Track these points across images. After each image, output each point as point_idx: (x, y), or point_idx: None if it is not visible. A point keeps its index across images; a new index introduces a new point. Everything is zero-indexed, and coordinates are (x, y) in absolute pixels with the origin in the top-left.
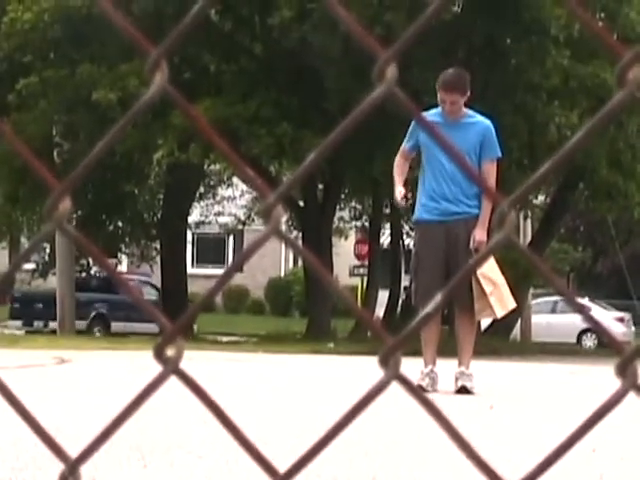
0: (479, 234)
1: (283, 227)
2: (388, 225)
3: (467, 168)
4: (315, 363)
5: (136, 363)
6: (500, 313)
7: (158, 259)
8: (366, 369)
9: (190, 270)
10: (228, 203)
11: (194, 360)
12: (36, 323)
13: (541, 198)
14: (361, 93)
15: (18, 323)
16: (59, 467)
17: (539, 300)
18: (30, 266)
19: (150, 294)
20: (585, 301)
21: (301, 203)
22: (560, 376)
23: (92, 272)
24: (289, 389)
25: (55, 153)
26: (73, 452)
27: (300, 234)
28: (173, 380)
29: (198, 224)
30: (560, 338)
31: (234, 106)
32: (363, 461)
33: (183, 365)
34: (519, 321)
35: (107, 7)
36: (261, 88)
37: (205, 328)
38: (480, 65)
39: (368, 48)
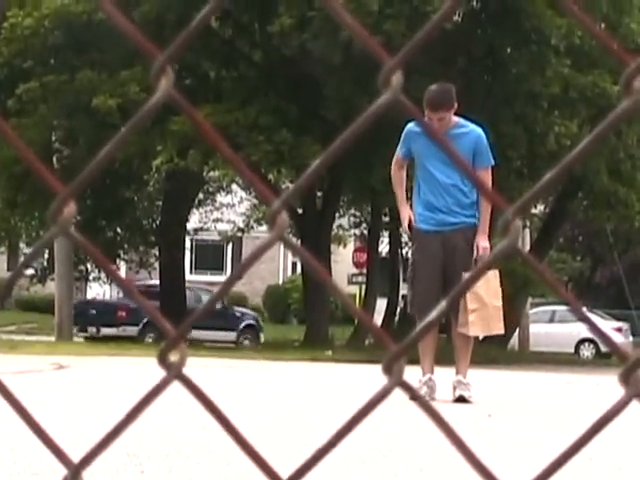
0: (482, 241)
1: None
2: (387, 233)
3: (469, 173)
4: (313, 371)
5: (135, 369)
6: (475, 332)
7: (156, 265)
8: (364, 377)
9: (188, 277)
10: (227, 210)
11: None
12: (90, 329)
13: (540, 207)
14: (361, 101)
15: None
16: (55, 473)
17: (537, 309)
18: (29, 272)
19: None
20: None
21: (300, 211)
22: (558, 386)
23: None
24: (287, 396)
25: (54, 159)
26: (72, 457)
27: (299, 241)
28: (171, 386)
29: (197, 230)
30: (558, 348)
31: (233, 113)
32: (360, 469)
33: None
34: (517, 330)
35: (113, 12)
36: (260, 95)
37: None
38: (480, 74)
39: (374, 55)
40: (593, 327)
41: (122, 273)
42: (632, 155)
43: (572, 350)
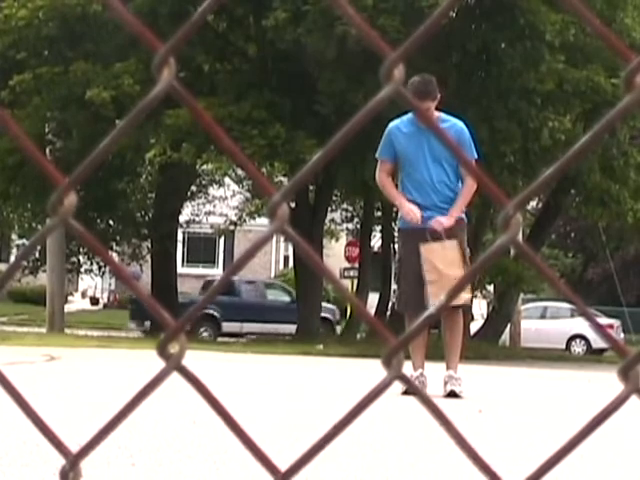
0: (446, 219)
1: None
2: (379, 228)
3: (466, 162)
4: (304, 364)
5: (126, 362)
6: (435, 301)
7: (148, 258)
8: (355, 371)
9: (180, 269)
10: (220, 203)
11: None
12: (146, 323)
13: (532, 203)
14: (355, 96)
15: (137, 324)
16: (46, 464)
17: (529, 305)
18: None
19: None
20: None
21: (293, 204)
22: (549, 382)
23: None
24: (278, 390)
25: (47, 151)
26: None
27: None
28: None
29: (189, 223)
30: (549, 344)
31: (227, 107)
32: (351, 464)
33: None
34: (508, 326)
35: (115, 3)
36: (255, 89)
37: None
38: (474, 70)
39: (376, 49)
40: (592, 322)
41: None
42: (625, 152)
43: (563, 346)
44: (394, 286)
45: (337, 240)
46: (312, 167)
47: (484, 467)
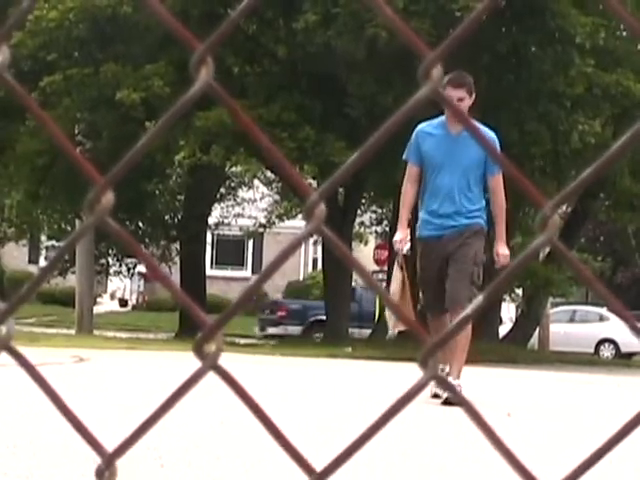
0: (501, 249)
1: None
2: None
3: (497, 156)
4: (332, 366)
5: (154, 363)
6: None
7: (177, 260)
8: (383, 373)
9: (209, 272)
10: (248, 205)
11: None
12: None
13: (562, 207)
14: (384, 99)
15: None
16: (75, 465)
17: (557, 309)
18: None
19: None
20: (604, 311)
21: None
22: (577, 386)
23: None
24: (306, 392)
25: (77, 151)
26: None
27: (320, 238)
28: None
29: (218, 225)
30: (578, 348)
31: (257, 109)
32: (380, 466)
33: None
34: (537, 330)
35: (153, 3)
36: (284, 92)
37: (224, 330)
38: (504, 72)
39: (415, 48)
40: (629, 322)
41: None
42: None
43: (592, 350)
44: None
45: (366, 243)
46: (350, 167)
47: (520, 468)
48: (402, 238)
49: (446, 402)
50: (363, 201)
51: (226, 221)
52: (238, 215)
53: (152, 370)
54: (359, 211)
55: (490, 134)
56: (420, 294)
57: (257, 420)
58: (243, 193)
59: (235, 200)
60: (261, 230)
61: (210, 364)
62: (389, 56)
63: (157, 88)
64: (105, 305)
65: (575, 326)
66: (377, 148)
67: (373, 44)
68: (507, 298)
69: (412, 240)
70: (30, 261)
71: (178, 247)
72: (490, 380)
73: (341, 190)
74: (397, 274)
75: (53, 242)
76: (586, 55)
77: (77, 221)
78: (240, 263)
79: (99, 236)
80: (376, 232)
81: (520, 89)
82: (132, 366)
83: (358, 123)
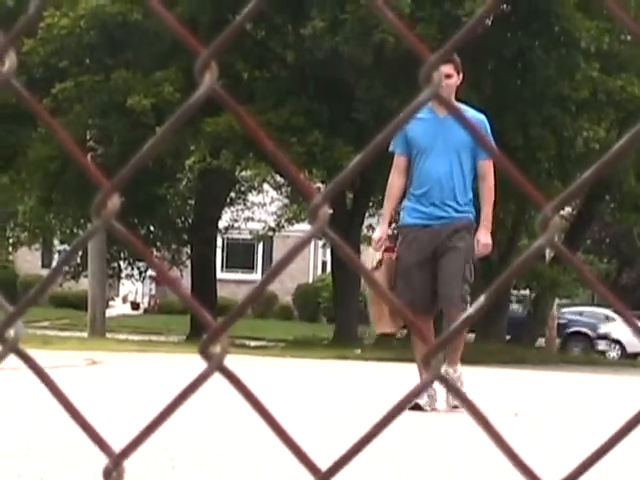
0: (483, 237)
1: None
2: None
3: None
4: (341, 368)
5: (166, 365)
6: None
7: (188, 263)
8: (392, 374)
9: (219, 275)
10: (258, 209)
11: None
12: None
13: (567, 209)
14: (391, 103)
15: None
16: (87, 465)
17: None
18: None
19: None
20: (610, 312)
21: (330, 210)
22: (584, 386)
23: None
24: (315, 393)
25: (89, 157)
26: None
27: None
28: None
29: (228, 229)
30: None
31: (266, 114)
32: (388, 466)
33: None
34: (545, 330)
35: (159, 8)
36: (293, 96)
37: (234, 332)
38: (510, 77)
39: (416, 52)
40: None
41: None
42: None
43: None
44: None
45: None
46: (352, 170)
47: (522, 467)
48: (380, 237)
49: (414, 407)
50: (371, 204)
51: (236, 225)
52: (248, 219)
53: (163, 372)
54: (367, 214)
55: (479, 116)
56: (396, 288)
57: (263, 421)
58: (253, 197)
59: (245, 204)
60: (271, 233)
61: (216, 365)
62: (396, 61)
63: (167, 94)
64: (117, 308)
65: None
66: (380, 150)
67: (380, 49)
68: (514, 299)
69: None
70: (43, 265)
71: (189, 250)
72: (498, 381)
73: (350, 194)
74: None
75: (65, 246)
76: (591, 59)
77: (89, 225)
78: (250, 266)
79: (111, 240)
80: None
81: (525, 93)
82: (144, 368)
83: (366, 127)
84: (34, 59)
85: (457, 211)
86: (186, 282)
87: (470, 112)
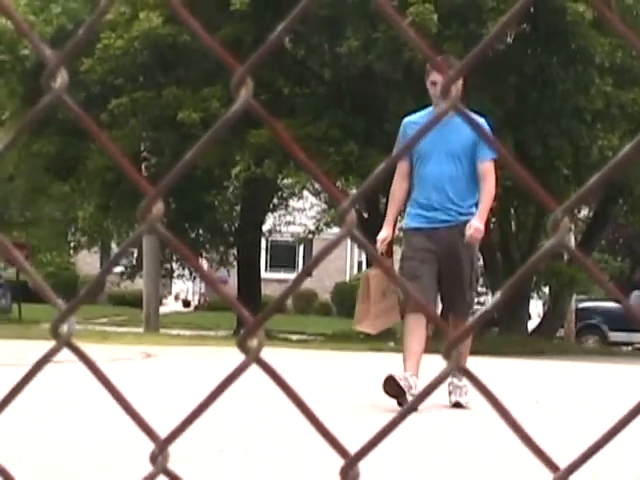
0: (476, 222)
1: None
2: None
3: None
4: (376, 359)
5: (214, 358)
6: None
7: (235, 264)
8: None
9: (263, 274)
10: (299, 214)
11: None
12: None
13: (584, 212)
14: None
15: None
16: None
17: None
18: (119, 269)
19: None
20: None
21: (366, 214)
22: (600, 375)
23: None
24: (351, 382)
25: (143, 167)
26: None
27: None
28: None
29: (271, 232)
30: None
31: (305, 127)
32: (412, 452)
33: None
34: (563, 324)
35: (199, 31)
36: (330, 110)
37: (277, 327)
38: (530, 91)
39: (436, 68)
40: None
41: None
42: None
43: None
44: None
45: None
46: (376, 177)
47: (538, 452)
48: (385, 237)
49: (400, 403)
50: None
51: (278, 228)
52: (289, 223)
53: (212, 364)
54: (399, 217)
55: (480, 119)
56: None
57: (297, 408)
58: (294, 203)
59: (286, 209)
60: (310, 236)
61: (253, 358)
62: (424, 76)
63: (214, 109)
64: (170, 306)
65: None
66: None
67: (409, 66)
68: (535, 295)
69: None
70: (101, 267)
71: (236, 252)
72: (520, 371)
73: (383, 200)
74: (368, 272)
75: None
76: (605, 74)
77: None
78: (292, 266)
79: (164, 243)
80: None
81: (544, 106)
82: (194, 361)
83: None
84: (92, 77)
85: (461, 214)
86: (233, 281)
87: (470, 115)
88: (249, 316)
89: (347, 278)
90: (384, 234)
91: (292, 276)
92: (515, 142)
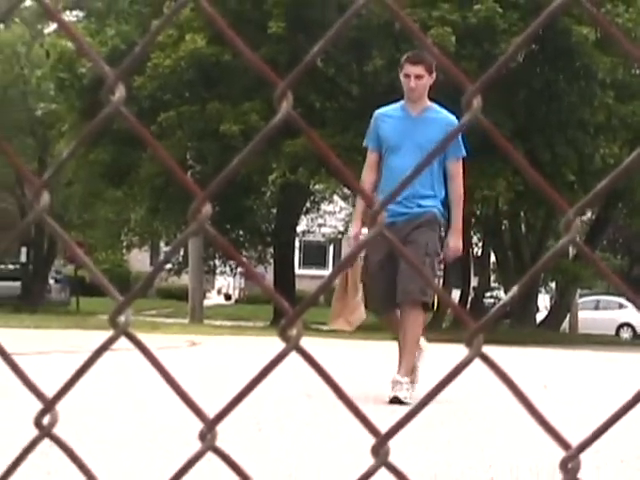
0: (453, 241)
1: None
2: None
3: (533, 175)
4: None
5: (253, 346)
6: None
7: (271, 261)
8: (442, 352)
9: (297, 271)
10: (329, 216)
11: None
12: None
13: (587, 215)
14: None
15: None
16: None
17: (584, 299)
18: (167, 266)
19: None
20: (623, 300)
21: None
22: (602, 362)
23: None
24: (379, 368)
25: (189, 174)
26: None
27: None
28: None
29: (304, 232)
30: (601, 331)
31: (334, 137)
32: (442, 428)
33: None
34: (568, 316)
35: (244, 49)
36: (357, 121)
37: (311, 319)
38: (539, 105)
39: (458, 81)
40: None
41: None
42: None
43: (613, 333)
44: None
45: None
46: (404, 183)
47: (551, 430)
48: (356, 234)
49: (394, 400)
50: None
51: (311, 229)
52: (321, 225)
53: (251, 351)
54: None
55: (451, 117)
56: (363, 287)
57: (332, 391)
58: (325, 206)
59: (318, 212)
60: (340, 236)
61: (293, 345)
62: (441, 92)
63: (253, 121)
64: (213, 299)
65: (599, 313)
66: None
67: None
68: (542, 290)
69: None
70: (151, 263)
71: (272, 251)
72: (529, 359)
73: None
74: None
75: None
76: (607, 89)
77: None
78: (323, 264)
79: (207, 242)
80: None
81: (552, 118)
82: (235, 348)
83: None
84: (143, 93)
85: (420, 206)
86: (270, 277)
87: (443, 113)
88: (289, 308)
89: None
90: (354, 230)
91: (323, 272)
92: (525, 150)
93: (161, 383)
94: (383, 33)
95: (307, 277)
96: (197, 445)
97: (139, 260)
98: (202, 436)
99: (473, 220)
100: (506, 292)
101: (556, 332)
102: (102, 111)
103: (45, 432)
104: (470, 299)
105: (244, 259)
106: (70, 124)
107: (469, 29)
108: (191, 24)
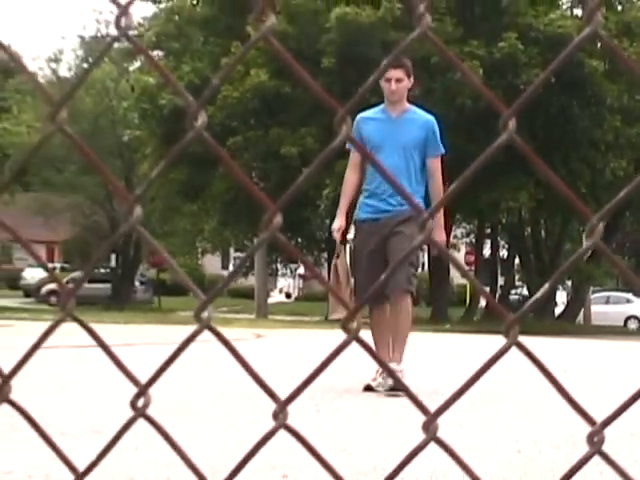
0: (436, 235)
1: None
2: (489, 241)
3: (556, 181)
4: (436, 338)
5: (312, 338)
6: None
7: (325, 265)
8: (474, 342)
9: None
10: None
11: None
12: None
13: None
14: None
15: None
16: (257, 411)
17: (597, 295)
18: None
19: None
20: (630, 295)
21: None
22: (612, 350)
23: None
24: (416, 357)
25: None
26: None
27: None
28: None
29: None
30: (611, 322)
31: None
32: (471, 410)
33: (333, 338)
34: (582, 310)
35: (308, 79)
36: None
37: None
38: (555, 128)
39: (494, 105)
40: None
41: (300, 270)
42: None
43: (622, 324)
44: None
45: (459, 250)
46: (449, 194)
47: (578, 409)
48: (339, 227)
49: (391, 390)
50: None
51: None
52: None
53: (310, 342)
54: (453, 227)
55: (430, 117)
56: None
57: (390, 377)
58: None
59: None
60: None
61: (353, 337)
62: (472, 117)
63: (310, 144)
64: (275, 297)
65: (609, 307)
66: (465, 184)
67: (461, 109)
68: (560, 287)
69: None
70: (222, 267)
71: (326, 256)
72: (549, 347)
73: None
74: (334, 261)
75: (238, 253)
76: (614, 113)
77: (254, 239)
78: None
79: (270, 248)
80: (466, 242)
81: (567, 139)
82: (295, 340)
83: (450, 167)
84: (214, 121)
85: (402, 204)
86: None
87: (421, 113)
88: (349, 303)
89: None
90: (337, 224)
91: None
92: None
93: (232, 371)
94: (420, 66)
95: None
96: (264, 425)
97: (212, 264)
98: (275, 415)
99: (500, 227)
100: (529, 290)
101: (572, 324)
102: (186, 135)
103: (139, 412)
104: (497, 296)
105: (310, 262)
106: (152, 148)
107: (494, 63)
108: (256, 60)
